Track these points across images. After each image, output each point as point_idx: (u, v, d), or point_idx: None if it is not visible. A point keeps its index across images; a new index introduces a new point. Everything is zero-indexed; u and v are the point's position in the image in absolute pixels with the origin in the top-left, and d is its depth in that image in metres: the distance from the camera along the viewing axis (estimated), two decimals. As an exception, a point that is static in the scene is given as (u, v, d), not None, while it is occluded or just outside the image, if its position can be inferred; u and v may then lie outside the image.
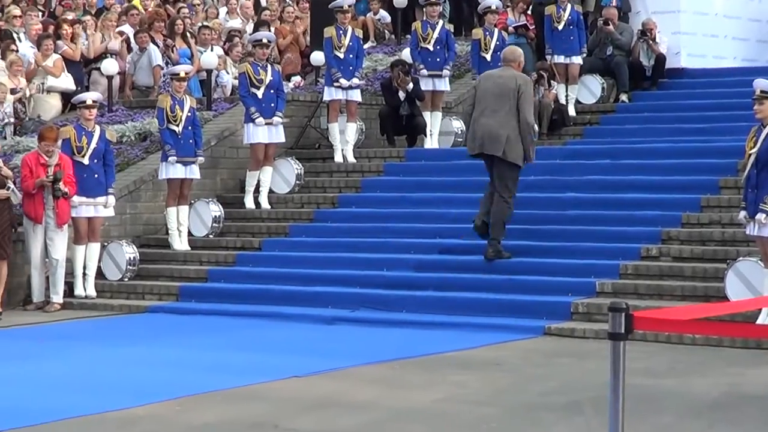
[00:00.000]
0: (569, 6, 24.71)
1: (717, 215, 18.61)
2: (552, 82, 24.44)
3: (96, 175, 19.73)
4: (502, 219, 18.47)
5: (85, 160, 19.64)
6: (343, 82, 22.60)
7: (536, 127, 21.32)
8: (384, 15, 28.78)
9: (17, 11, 28.27)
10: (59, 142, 19.58)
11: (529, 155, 18.43)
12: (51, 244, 19.25)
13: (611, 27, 25.48)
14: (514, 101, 18.14)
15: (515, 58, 18.82)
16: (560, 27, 24.42)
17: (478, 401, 12.66)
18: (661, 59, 25.80)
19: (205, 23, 27.20)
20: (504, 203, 18.36)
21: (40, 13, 28.90)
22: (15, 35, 26.39)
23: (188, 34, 26.17)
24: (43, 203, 19.15)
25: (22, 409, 12.33)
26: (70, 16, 27.84)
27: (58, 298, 19.54)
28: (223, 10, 29.39)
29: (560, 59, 24.78)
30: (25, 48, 25.63)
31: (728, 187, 19.25)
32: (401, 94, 23.33)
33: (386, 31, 28.88)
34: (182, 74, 21.60)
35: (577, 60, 24.80)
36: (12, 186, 19.15)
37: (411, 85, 23.16)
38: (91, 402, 12.60)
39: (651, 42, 25.65)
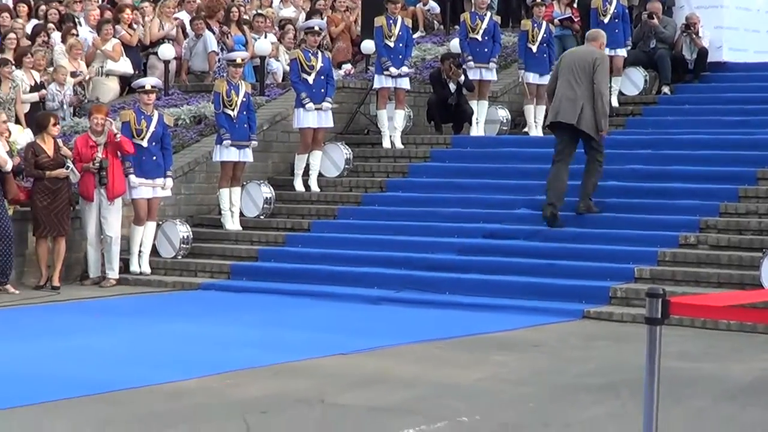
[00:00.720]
0: (615, 0, 24.64)
1: (754, 205, 18.59)
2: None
3: (154, 158, 19.85)
4: (597, 180, 19.19)
5: (144, 143, 19.75)
6: (393, 70, 22.63)
7: (610, 100, 21.60)
8: (433, 5, 28.79)
9: (79, -4, 28.43)
10: (108, 120, 19.75)
11: (601, 125, 18.63)
12: (105, 222, 19.39)
13: (655, 21, 25.41)
14: (591, 74, 18.43)
15: (597, 38, 19.17)
16: (606, 20, 24.33)
17: (518, 381, 12.70)
18: (703, 53, 25.71)
19: (259, 11, 27.24)
20: (599, 165, 19.08)
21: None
22: (75, 20, 26.53)
23: (243, 21, 26.24)
24: (94, 183, 19.31)
25: (79, 379, 12.43)
26: (129, 2, 27.96)
27: (113, 273, 19.67)
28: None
29: (606, 51, 24.74)
30: (85, 32, 25.76)
31: (766, 179, 19.24)
32: (451, 86, 23.37)
33: (435, 22, 28.89)
34: (239, 60, 21.72)
35: (622, 52, 24.72)
36: (71, 165, 19.26)
37: (462, 78, 23.20)
38: (144, 374, 12.69)
39: (694, 36, 25.56)
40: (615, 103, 24.42)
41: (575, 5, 26.72)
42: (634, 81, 25.51)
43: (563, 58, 19.42)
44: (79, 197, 19.56)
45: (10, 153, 19.16)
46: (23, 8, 27.88)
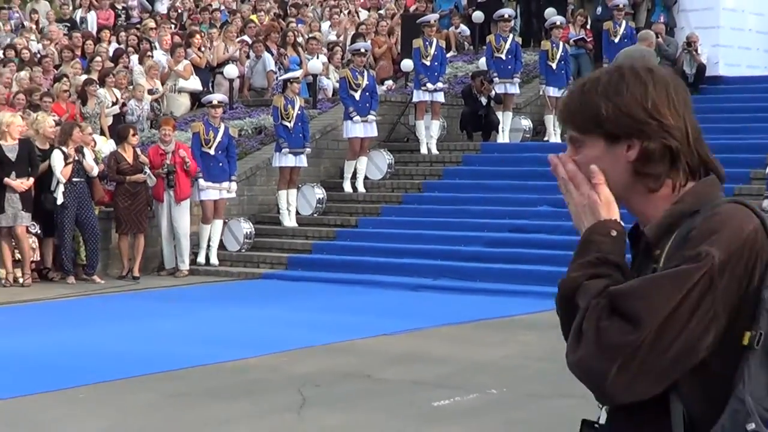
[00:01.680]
0: (624, 22, 24.57)
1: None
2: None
3: (221, 164, 19.94)
4: None
5: (212, 151, 19.84)
6: (429, 85, 22.67)
7: None
8: (464, 29, 28.77)
9: (152, 24, 28.56)
10: (175, 131, 19.94)
11: None
12: (175, 221, 19.50)
13: (660, 40, 25.35)
14: None
15: (647, 38, 18.94)
16: (616, 40, 24.22)
17: (540, 357, 12.69)
18: (702, 68, 25.62)
19: (311, 35, 27.29)
20: None
21: (172, 26, 29.17)
22: (151, 44, 26.68)
23: (297, 43, 26.31)
24: (164, 187, 19.43)
25: (157, 357, 12.51)
26: (198, 28, 28.08)
27: (184, 265, 19.76)
28: (326, 24, 29.49)
29: (616, 67, 24.64)
30: (160, 55, 25.89)
31: (758, 178, 19.16)
32: (482, 99, 23.42)
33: (465, 43, 28.87)
34: (295, 79, 21.84)
35: (630, 68, 24.66)
36: (148, 171, 19.37)
37: (494, 92, 23.23)
38: (213, 353, 12.77)
39: (694, 53, 25.47)
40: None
41: (588, 27, 26.69)
42: (641, 93, 25.39)
43: (618, 57, 19.35)
44: (154, 200, 19.68)
45: (96, 161, 19.28)
46: (106, 35, 28.06)
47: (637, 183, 3.02)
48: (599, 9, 26.55)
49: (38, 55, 26.71)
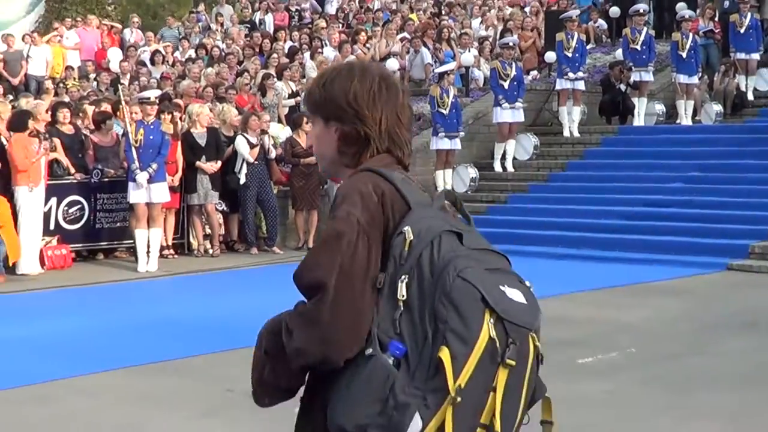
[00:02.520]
0: (749, 14, 24.07)
1: None
2: (735, 74, 23.94)
3: (383, 148, 20.02)
4: None
5: (375, 135, 19.93)
6: (571, 75, 22.51)
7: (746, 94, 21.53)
8: (602, 23, 28.47)
9: (323, 24, 28.82)
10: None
11: None
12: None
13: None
14: None
15: None
16: (742, 30, 23.76)
17: (674, 319, 12.60)
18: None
19: (463, 31, 27.25)
20: None
21: (340, 25, 29.38)
22: (321, 41, 26.91)
23: (451, 39, 26.30)
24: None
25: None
26: (363, 27, 28.26)
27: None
28: (476, 21, 29.42)
29: (741, 56, 24.09)
30: (329, 51, 26.10)
31: None
32: (621, 86, 23.22)
33: (603, 36, 28.58)
34: (449, 71, 21.85)
35: (755, 56, 24.11)
36: (320, 154, 19.53)
37: (632, 79, 23.01)
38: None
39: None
40: (750, 97, 23.86)
41: (716, 19, 26.23)
42: (765, 79, 24.78)
43: None
44: (327, 179, 19.79)
45: (274, 145, 19.53)
46: (281, 34, 28.41)
47: (340, 159, 3.33)
48: (726, 2, 26.07)
49: (223, 53, 27.10)
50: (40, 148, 16.74)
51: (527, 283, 3.15)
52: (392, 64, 24.81)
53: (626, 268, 16.64)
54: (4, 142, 17.01)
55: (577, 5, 28.37)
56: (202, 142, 18.56)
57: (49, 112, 18.42)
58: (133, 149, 17.22)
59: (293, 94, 23.55)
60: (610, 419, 8.36)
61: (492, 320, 2.88)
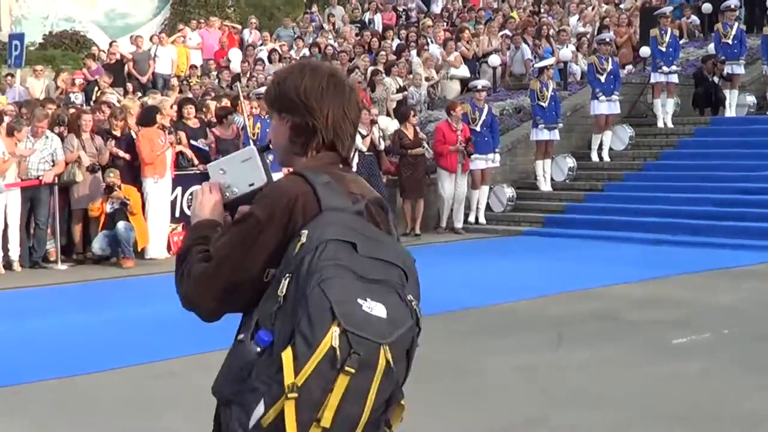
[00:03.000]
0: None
1: None
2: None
3: (486, 138, 19.92)
4: None
5: (478, 128, 19.84)
6: (665, 68, 22.22)
7: None
8: (694, 18, 28.01)
9: (429, 22, 28.75)
10: (460, 113, 19.92)
11: None
12: (458, 186, 19.54)
13: None
14: None
15: None
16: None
17: (766, 302, 12.37)
18: None
19: (561, 28, 27.01)
20: None
21: (445, 24, 29.28)
22: (427, 39, 26.86)
23: (550, 35, 26.10)
24: (457, 159, 19.44)
25: (438, 301, 12.60)
26: (467, 25, 28.15)
27: (459, 224, 19.85)
28: (574, 18, 29.12)
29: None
30: (434, 48, 26.04)
31: None
32: (715, 79, 22.85)
33: (696, 31, 28.12)
34: (549, 66, 21.70)
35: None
36: (426, 145, 19.51)
37: (725, 72, 22.64)
38: (483, 296, 12.86)
39: None
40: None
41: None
42: None
43: None
44: (437, 168, 19.66)
45: (383, 137, 19.52)
46: (389, 33, 28.44)
47: (291, 148, 3.44)
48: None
49: (335, 51, 27.19)
50: (166, 141, 16.93)
51: (409, 297, 3.16)
52: (494, 60, 24.71)
53: (718, 252, 16.39)
54: (134, 136, 17.24)
55: (670, 2, 27.96)
56: (317, 134, 18.60)
57: (175, 108, 18.63)
58: (251, 141, 17.34)
59: (400, 89, 23.57)
60: (704, 397, 8.22)
61: (337, 331, 2.93)
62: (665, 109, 22.64)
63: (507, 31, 27.01)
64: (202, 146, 18.24)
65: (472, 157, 19.69)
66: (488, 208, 20.58)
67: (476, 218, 20.26)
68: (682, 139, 22.27)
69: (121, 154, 17.12)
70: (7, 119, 16.45)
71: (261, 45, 29.32)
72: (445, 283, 14.06)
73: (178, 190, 17.67)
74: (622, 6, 29.63)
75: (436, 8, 32.92)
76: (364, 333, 2.95)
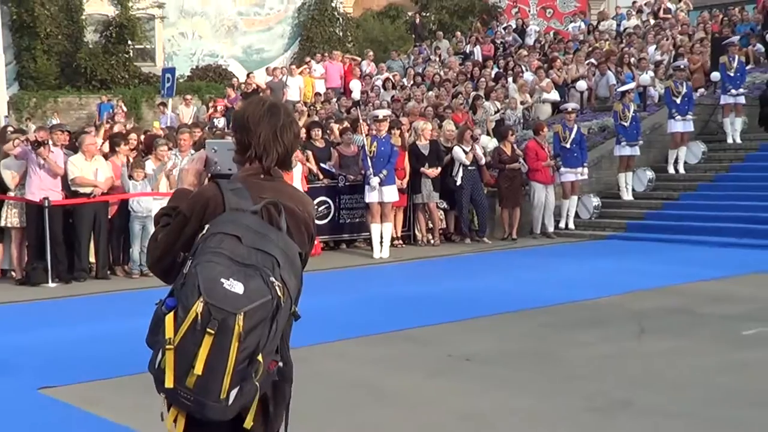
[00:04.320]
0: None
1: None
2: None
3: (575, 154, 19.75)
4: None
5: (568, 145, 19.67)
6: (733, 91, 21.85)
7: None
8: (759, 47, 27.45)
9: (524, 53, 28.65)
10: (549, 133, 19.85)
11: None
12: (547, 196, 19.47)
13: None
14: None
15: None
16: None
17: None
18: None
19: (641, 56, 26.69)
20: None
21: (537, 53, 29.12)
22: (522, 67, 26.75)
23: (631, 63, 25.82)
24: (549, 173, 19.38)
25: (528, 297, 12.57)
26: (557, 54, 27.99)
27: (551, 228, 19.68)
28: (651, 47, 28.72)
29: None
30: (528, 75, 25.90)
31: None
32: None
33: (761, 58, 27.57)
34: (630, 90, 21.51)
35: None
36: (521, 160, 19.43)
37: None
38: (571, 293, 12.76)
39: None
40: None
41: None
42: None
43: None
44: (530, 182, 19.58)
45: (484, 153, 19.49)
46: (489, 62, 28.44)
47: (238, 157, 3.93)
48: None
49: (441, 79, 27.24)
50: (294, 159, 17.14)
51: (271, 279, 3.47)
52: (581, 85, 24.54)
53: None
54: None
55: (737, 32, 27.49)
56: (425, 151, 18.68)
57: (303, 130, 18.85)
58: (369, 158, 17.48)
59: (498, 112, 23.51)
60: (771, 383, 8.10)
61: (202, 302, 3.38)
62: (734, 127, 22.25)
63: (593, 60, 26.79)
64: (329, 168, 18.53)
65: (563, 170, 19.59)
66: (577, 215, 20.42)
67: (566, 224, 20.11)
68: (749, 153, 21.81)
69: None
70: (160, 141, 16.75)
71: (377, 74, 29.50)
72: (539, 282, 14.03)
73: (307, 201, 17.86)
74: (695, 36, 29.16)
75: (530, 40, 32.79)
76: (221, 304, 3.37)
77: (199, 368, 3.37)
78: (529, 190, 19.69)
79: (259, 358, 3.45)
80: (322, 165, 18.56)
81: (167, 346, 3.41)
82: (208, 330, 3.36)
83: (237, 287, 3.40)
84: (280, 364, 3.66)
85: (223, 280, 3.40)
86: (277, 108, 3.94)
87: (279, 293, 3.47)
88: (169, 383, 3.42)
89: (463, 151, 18.81)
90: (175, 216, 3.82)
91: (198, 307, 3.37)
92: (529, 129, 22.78)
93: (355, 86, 28.69)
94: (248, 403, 3.53)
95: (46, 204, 14.86)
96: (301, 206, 3.91)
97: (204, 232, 3.58)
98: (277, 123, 3.89)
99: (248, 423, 3.58)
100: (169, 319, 3.43)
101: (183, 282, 3.49)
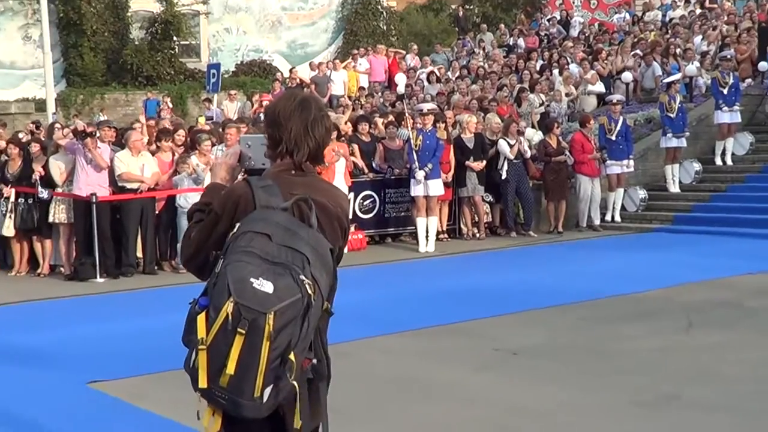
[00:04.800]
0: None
1: None
2: None
3: (621, 146, 19.57)
4: None
5: (613, 137, 19.52)
6: (781, 80, 21.71)
7: None
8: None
9: (569, 44, 28.50)
10: (595, 126, 19.72)
11: None
12: (593, 188, 19.32)
13: None
14: None
15: None
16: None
17: None
18: None
19: (687, 46, 26.45)
20: None
21: (582, 45, 28.95)
22: (567, 59, 26.62)
23: (677, 54, 25.61)
24: (596, 166, 19.22)
25: (576, 290, 12.49)
26: (601, 46, 27.83)
27: (597, 221, 19.56)
28: (698, 38, 28.45)
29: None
30: (573, 67, 25.77)
31: None
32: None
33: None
34: (676, 81, 21.32)
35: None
36: (567, 153, 19.32)
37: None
38: (618, 286, 12.69)
39: None
40: None
41: None
42: None
43: None
44: (576, 174, 19.45)
45: (529, 146, 19.39)
46: (534, 55, 28.31)
47: (270, 153, 3.94)
48: None
49: (486, 72, 27.15)
50: (334, 153, 17.10)
51: (301, 278, 3.46)
52: (626, 76, 24.38)
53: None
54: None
55: (786, 21, 27.18)
56: (470, 145, 18.62)
57: (348, 124, 18.87)
58: (414, 152, 17.45)
59: (543, 104, 23.41)
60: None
61: (232, 302, 3.39)
62: (782, 117, 22.05)
63: (638, 51, 26.60)
64: (377, 167, 18.55)
65: (609, 162, 19.46)
66: (623, 208, 20.28)
67: (612, 217, 19.96)
68: (799, 144, 21.61)
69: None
70: (204, 136, 16.77)
71: (421, 68, 29.45)
72: (585, 275, 13.94)
73: (351, 195, 17.88)
74: (741, 26, 28.84)
75: (574, 32, 32.58)
76: (251, 304, 3.38)
77: (231, 368, 3.40)
78: (574, 183, 19.58)
79: (291, 356, 3.45)
80: (374, 165, 18.61)
81: (200, 346, 3.44)
82: (239, 330, 3.38)
83: (266, 286, 3.41)
84: (314, 361, 3.67)
85: (252, 279, 3.41)
86: (308, 102, 3.93)
87: (309, 291, 3.47)
88: (202, 383, 3.45)
89: (508, 144, 18.73)
90: (207, 213, 3.85)
91: (228, 307, 3.39)
92: (574, 121, 22.64)
93: (401, 79, 28.68)
94: (285, 401, 3.55)
95: (94, 200, 15.00)
96: (333, 201, 3.91)
97: (235, 230, 3.59)
98: (308, 117, 3.88)
99: (297, 423, 3.60)
100: (201, 319, 3.46)
101: (215, 281, 3.50)
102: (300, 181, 3.83)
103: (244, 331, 3.37)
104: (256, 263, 3.44)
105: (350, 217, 17.78)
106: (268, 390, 3.44)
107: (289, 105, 3.89)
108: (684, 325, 10.22)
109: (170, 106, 27.45)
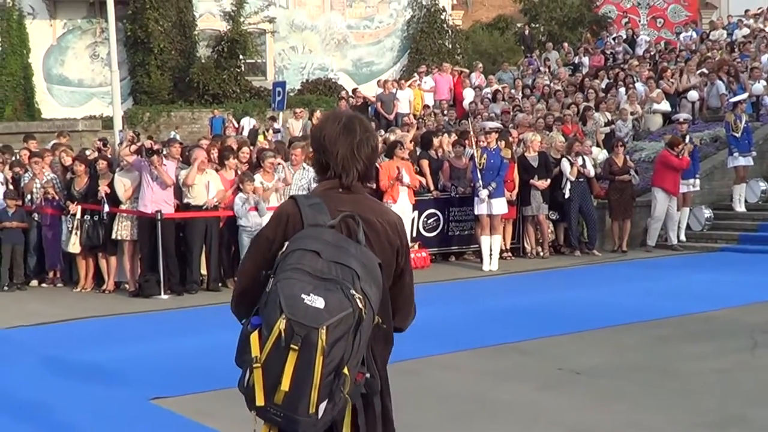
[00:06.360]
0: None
1: None
2: None
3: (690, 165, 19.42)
4: None
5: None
6: None
7: None
8: None
9: (635, 63, 28.29)
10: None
11: None
12: (669, 206, 19.06)
13: None
14: None
15: None
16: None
17: None
18: None
19: (753, 65, 26.13)
20: None
21: (648, 64, 28.68)
22: (633, 78, 26.41)
23: (742, 72, 25.30)
24: (678, 182, 19.01)
25: (642, 309, 12.36)
26: (666, 65, 27.57)
27: (674, 240, 19.34)
28: (765, 56, 28.07)
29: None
30: (639, 86, 25.56)
31: None
32: None
33: None
34: (742, 100, 21.06)
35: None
36: (632, 172, 19.15)
37: None
38: (684, 306, 12.55)
39: None
40: None
41: None
42: None
43: None
44: (655, 189, 19.17)
45: (594, 165, 19.24)
46: (601, 74, 28.17)
47: (317, 176, 4.00)
48: None
49: (551, 90, 27.05)
50: (401, 172, 17.12)
51: (351, 292, 3.46)
52: (692, 95, 24.17)
53: None
54: (377, 166, 17.52)
55: None
56: (535, 163, 18.53)
57: (413, 143, 18.89)
58: (478, 170, 17.41)
59: (608, 123, 23.24)
60: None
61: (284, 319, 3.39)
62: None
63: (704, 69, 26.33)
64: (442, 186, 18.56)
65: (681, 182, 19.27)
66: (688, 227, 20.05)
67: (678, 236, 19.75)
68: None
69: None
70: (268, 154, 16.82)
71: (486, 87, 29.41)
72: (650, 294, 13.79)
73: (415, 213, 17.89)
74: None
75: (640, 50, 32.40)
76: (303, 320, 3.38)
77: (285, 384, 3.39)
78: (638, 202, 19.36)
79: (345, 370, 3.45)
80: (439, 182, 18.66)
81: (254, 365, 3.45)
82: (292, 346, 3.38)
83: (318, 302, 3.42)
84: (368, 375, 3.66)
85: (303, 296, 3.42)
86: (353, 123, 3.92)
87: (360, 305, 3.46)
88: (260, 401, 3.46)
89: (570, 163, 18.61)
90: (256, 239, 3.89)
91: (281, 324, 3.39)
92: (640, 140, 22.52)
93: (468, 95, 28.71)
94: (340, 416, 3.55)
95: (159, 217, 15.14)
96: (381, 218, 3.89)
97: (284, 249, 3.60)
98: (354, 140, 3.86)
99: None
100: (254, 337, 3.47)
101: (266, 300, 3.50)
102: (347, 199, 3.85)
103: (297, 347, 3.38)
104: (307, 280, 3.46)
105: (414, 234, 17.77)
106: (323, 405, 3.44)
107: (334, 128, 3.88)
108: (749, 345, 10.06)
109: (235, 125, 27.69)
